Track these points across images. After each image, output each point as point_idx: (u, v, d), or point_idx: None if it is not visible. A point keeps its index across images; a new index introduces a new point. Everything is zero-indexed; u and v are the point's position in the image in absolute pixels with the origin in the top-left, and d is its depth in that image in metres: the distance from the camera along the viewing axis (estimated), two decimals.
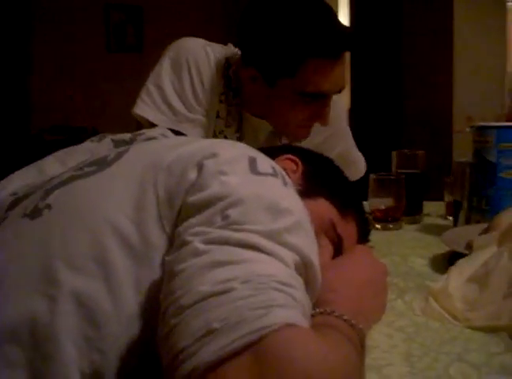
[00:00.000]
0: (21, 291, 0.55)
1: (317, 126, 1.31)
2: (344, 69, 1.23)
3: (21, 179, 0.75)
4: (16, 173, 0.78)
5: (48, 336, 0.53)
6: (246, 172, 0.58)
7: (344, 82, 1.24)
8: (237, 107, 1.32)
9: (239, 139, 1.33)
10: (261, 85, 1.24)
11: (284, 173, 0.61)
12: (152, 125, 1.25)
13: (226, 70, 1.31)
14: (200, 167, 0.58)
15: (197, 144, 0.65)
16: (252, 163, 0.59)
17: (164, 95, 1.29)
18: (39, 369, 0.52)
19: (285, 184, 0.59)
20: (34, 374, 0.52)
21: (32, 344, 0.53)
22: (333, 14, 1.23)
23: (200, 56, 1.30)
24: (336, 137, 1.48)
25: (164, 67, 1.30)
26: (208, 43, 1.35)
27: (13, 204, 0.67)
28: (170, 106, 1.29)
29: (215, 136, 1.33)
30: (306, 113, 1.23)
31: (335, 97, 1.35)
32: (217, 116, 1.32)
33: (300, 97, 1.20)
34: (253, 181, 0.57)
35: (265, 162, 0.61)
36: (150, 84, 1.30)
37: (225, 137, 1.32)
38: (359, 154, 1.57)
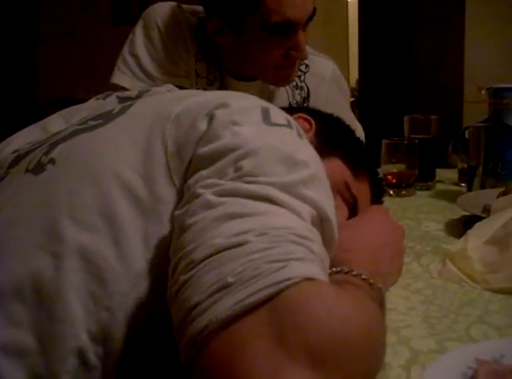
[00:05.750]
0: (25, 248, 0.53)
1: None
2: None
3: (24, 137, 0.72)
4: (19, 132, 0.75)
5: (54, 295, 0.51)
6: (259, 122, 0.55)
7: (311, 6, 1.14)
8: (216, 65, 1.30)
9: None
10: (229, 35, 1.19)
11: (298, 125, 0.58)
12: None
13: (199, 29, 1.28)
14: (210, 118, 0.55)
15: (206, 95, 0.62)
16: (265, 113, 0.56)
17: (140, 62, 1.30)
18: (45, 329, 0.51)
19: (300, 136, 0.56)
20: (40, 334, 0.50)
21: (37, 303, 0.51)
22: None
23: (168, 16, 1.29)
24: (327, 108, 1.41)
25: (137, 33, 1.31)
26: (179, 4, 1.33)
27: (15, 161, 0.64)
28: (146, 71, 1.29)
29: None
30: (281, 51, 1.16)
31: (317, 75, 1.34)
32: (197, 76, 1.31)
33: (269, 33, 1.14)
34: (266, 132, 0.54)
35: (278, 113, 0.58)
36: (125, 53, 1.32)
37: None
38: (357, 122, 1.51)
